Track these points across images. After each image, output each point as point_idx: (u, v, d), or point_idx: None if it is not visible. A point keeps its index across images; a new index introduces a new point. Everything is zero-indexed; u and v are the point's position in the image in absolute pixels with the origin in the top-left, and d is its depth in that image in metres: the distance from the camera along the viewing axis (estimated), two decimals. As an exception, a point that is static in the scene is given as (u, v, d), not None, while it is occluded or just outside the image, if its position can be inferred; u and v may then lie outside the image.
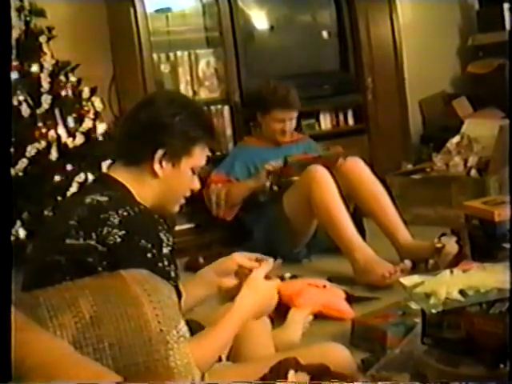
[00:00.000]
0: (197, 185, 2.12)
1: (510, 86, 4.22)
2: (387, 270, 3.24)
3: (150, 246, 1.81)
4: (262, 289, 2.06)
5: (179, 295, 1.83)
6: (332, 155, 3.94)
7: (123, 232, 1.81)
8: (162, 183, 2.04)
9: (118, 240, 1.80)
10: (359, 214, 3.88)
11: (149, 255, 1.81)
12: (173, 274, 1.85)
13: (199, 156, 2.08)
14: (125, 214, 1.84)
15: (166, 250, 1.84)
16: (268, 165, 3.93)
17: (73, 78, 3.83)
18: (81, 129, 3.72)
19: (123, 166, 2.04)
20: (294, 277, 3.36)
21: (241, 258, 2.27)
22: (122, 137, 2.11)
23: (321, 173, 3.62)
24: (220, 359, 2.07)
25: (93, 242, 1.80)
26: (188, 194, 2.12)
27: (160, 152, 2.01)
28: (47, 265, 1.85)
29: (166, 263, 1.83)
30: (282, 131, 4.13)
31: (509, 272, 1.87)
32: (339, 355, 2.10)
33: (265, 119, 4.17)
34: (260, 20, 4.79)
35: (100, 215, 1.84)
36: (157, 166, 2.01)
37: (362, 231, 3.72)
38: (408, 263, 3.35)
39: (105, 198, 1.91)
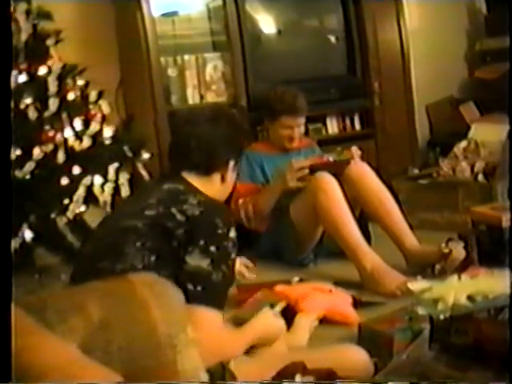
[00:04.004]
0: None
1: (510, 90, 4.21)
2: (399, 287, 3.20)
3: (221, 224, 2.09)
4: (271, 323, 2.37)
5: (233, 280, 2.21)
6: (346, 160, 3.88)
7: (201, 209, 2.10)
8: (224, 187, 2.41)
9: (197, 213, 2.09)
10: (365, 218, 3.87)
11: (219, 231, 2.08)
12: (233, 255, 2.12)
13: None
14: (201, 198, 2.17)
15: (232, 234, 2.12)
16: (295, 162, 3.86)
17: (80, 82, 3.84)
18: (88, 132, 3.72)
19: (190, 175, 2.32)
20: (301, 281, 3.35)
21: None
22: (193, 150, 2.32)
23: (327, 181, 3.59)
24: None
25: (174, 211, 2.09)
26: None
27: (232, 162, 2.39)
28: (121, 229, 2.13)
29: (230, 244, 2.10)
30: (289, 138, 4.10)
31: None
32: (356, 357, 2.14)
33: (273, 126, 4.14)
34: (267, 24, 4.79)
35: (180, 196, 2.17)
36: (229, 174, 2.40)
37: (367, 236, 3.70)
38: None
39: (182, 186, 2.24)
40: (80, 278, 2.02)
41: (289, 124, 4.07)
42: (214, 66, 4.57)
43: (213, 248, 2.04)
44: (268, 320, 2.37)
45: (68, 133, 3.64)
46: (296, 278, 3.38)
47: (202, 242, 2.04)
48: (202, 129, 2.34)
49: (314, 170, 3.73)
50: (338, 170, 3.71)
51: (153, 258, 2.05)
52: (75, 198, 3.57)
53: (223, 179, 2.37)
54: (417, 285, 2.01)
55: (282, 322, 2.43)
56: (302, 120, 4.13)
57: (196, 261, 2.02)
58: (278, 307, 2.65)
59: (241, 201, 4.00)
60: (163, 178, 2.45)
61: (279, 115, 4.06)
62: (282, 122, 4.07)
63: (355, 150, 3.84)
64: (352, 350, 2.20)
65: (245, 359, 2.10)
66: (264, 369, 2.00)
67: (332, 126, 4.94)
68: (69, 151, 3.62)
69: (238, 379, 1.89)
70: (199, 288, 2.00)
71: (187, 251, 2.04)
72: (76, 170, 3.60)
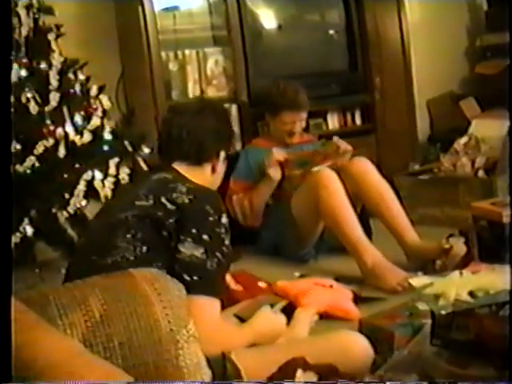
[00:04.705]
0: None
1: (510, 86, 4.20)
2: (399, 283, 3.21)
3: (212, 211, 2.10)
4: (272, 320, 2.37)
5: (228, 266, 2.20)
6: (329, 148, 3.89)
7: (191, 196, 2.12)
8: (214, 178, 2.46)
9: (186, 201, 2.10)
10: (366, 214, 3.87)
11: (210, 219, 2.09)
12: (226, 241, 2.12)
13: None
14: (191, 186, 2.19)
15: (224, 220, 2.13)
16: (276, 153, 3.88)
17: (81, 76, 3.83)
18: (89, 126, 3.72)
19: (181, 165, 2.37)
20: (302, 276, 3.35)
21: None
22: (184, 141, 2.38)
23: (328, 177, 3.58)
24: None
25: (163, 200, 2.10)
26: None
27: (223, 154, 2.46)
28: (113, 223, 2.14)
29: (222, 230, 2.11)
30: (290, 132, 4.08)
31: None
32: (356, 343, 2.16)
33: (274, 121, 4.12)
34: (268, 19, 4.78)
35: (169, 185, 2.18)
36: (220, 165, 2.46)
37: (368, 231, 3.70)
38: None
39: (170, 176, 2.28)
40: (74, 273, 2.04)
41: (290, 119, 4.05)
42: (214, 60, 4.56)
43: (205, 236, 2.06)
44: (268, 318, 2.37)
45: (69, 127, 3.64)
46: (297, 274, 3.38)
47: (194, 231, 2.06)
48: (191, 120, 2.42)
49: (303, 163, 3.77)
50: (329, 159, 3.74)
51: (144, 249, 2.07)
52: (76, 192, 3.56)
53: (213, 170, 2.44)
54: (418, 280, 2.01)
55: (282, 319, 2.42)
56: (304, 115, 4.11)
57: (190, 250, 2.03)
58: (278, 306, 2.65)
59: (235, 197, 4.00)
60: (154, 170, 2.53)
61: (280, 110, 4.04)
62: (284, 118, 4.05)
63: (337, 140, 3.86)
64: (352, 336, 2.22)
65: (246, 350, 2.10)
66: (266, 358, 2.00)
67: (333, 122, 4.93)
68: (70, 146, 3.62)
69: (239, 368, 1.89)
70: (196, 278, 2.02)
71: (179, 240, 2.05)
72: (77, 164, 3.60)
